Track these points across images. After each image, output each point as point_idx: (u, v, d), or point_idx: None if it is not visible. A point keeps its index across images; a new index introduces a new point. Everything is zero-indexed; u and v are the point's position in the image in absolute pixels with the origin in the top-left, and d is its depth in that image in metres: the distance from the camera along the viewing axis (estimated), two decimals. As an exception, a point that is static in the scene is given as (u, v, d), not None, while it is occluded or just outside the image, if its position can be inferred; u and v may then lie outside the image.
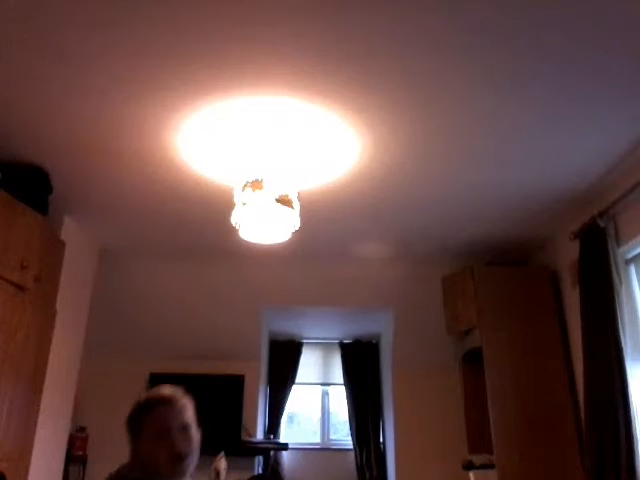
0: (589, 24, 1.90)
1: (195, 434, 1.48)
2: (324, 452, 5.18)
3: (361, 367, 5.26)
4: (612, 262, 2.86)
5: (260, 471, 4.59)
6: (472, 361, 3.78)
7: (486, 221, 3.53)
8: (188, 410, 1.51)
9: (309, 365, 5.40)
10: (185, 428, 1.46)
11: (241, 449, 4.37)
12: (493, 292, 3.67)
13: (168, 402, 1.49)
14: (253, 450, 4.50)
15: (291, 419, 5.43)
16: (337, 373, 5.36)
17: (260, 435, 4.74)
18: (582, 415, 3.09)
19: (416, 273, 4.21)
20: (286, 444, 4.62)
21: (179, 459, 1.41)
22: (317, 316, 4.91)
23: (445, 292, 3.98)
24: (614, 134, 2.57)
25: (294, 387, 5.21)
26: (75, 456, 4.22)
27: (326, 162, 2.82)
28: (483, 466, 3.60)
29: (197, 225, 3.58)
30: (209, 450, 3.83)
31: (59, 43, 2.00)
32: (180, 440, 1.43)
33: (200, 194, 3.15)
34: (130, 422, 1.49)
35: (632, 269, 3.00)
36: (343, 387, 5.26)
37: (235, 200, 2.63)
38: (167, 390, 1.52)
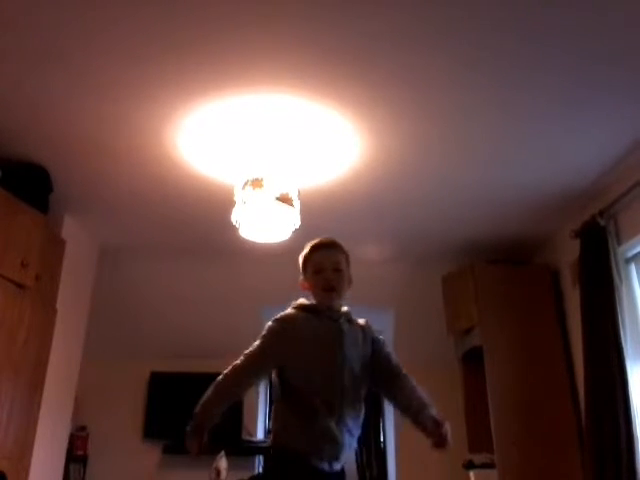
0: (588, 24, 1.90)
1: (344, 276, 1.90)
2: (324, 451, 5.16)
3: (361, 366, 5.24)
4: (613, 261, 2.86)
5: (260, 470, 4.58)
6: (472, 360, 3.77)
7: (487, 220, 3.53)
8: (341, 258, 1.91)
9: (309, 364, 5.38)
10: (337, 269, 1.87)
11: (242, 448, 4.37)
12: (493, 291, 3.66)
13: (326, 247, 1.90)
14: (253, 449, 4.49)
15: (291, 418, 5.42)
16: (337, 372, 5.34)
17: (261, 434, 4.73)
18: (582, 414, 3.09)
19: (416, 272, 4.20)
20: (286, 443, 4.60)
21: (330, 289, 1.84)
22: (317, 315, 4.90)
23: (445, 291, 3.97)
24: (614, 133, 2.57)
25: (294, 386, 5.19)
26: (76, 455, 4.22)
27: (326, 161, 2.82)
28: (483, 465, 3.59)
29: (197, 223, 3.58)
30: (209, 450, 3.83)
31: (60, 42, 2.01)
32: (331, 276, 1.84)
33: (200, 192, 3.15)
34: (302, 260, 1.92)
35: (632, 268, 3.00)
36: (343, 386, 5.24)
37: (235, 198, 2.63)
38: (328, 239, 1.93)
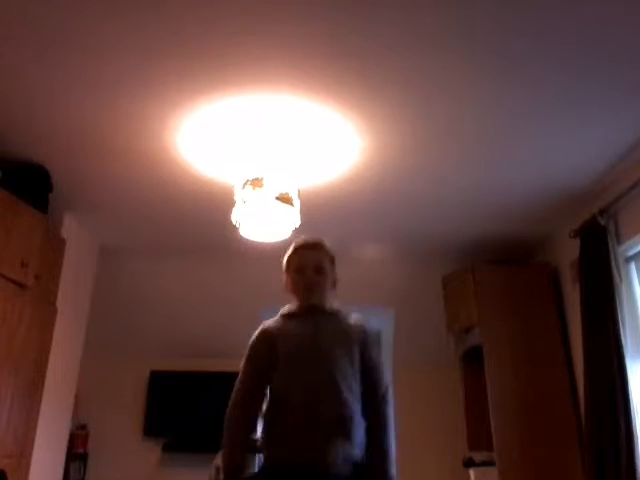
0: (587, 19, 1.90)
1: (327, 277, 1.83)
2: (324, 450, 5.17)
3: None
4: (612, 260, 2.85)
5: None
6: (472, 359, 3.77)
7: (486, 219, 3.52)
8: (325, 258, 1.85)
9: (309, 363, 5.37)
10: (319, 269, 1.82)
11: (241, 447, 4.38)
12: (493, 290, 3.66)
13: (309, 247, 1.86)
14: (253, 448, 4.49)
15: (291, 417, 5.41)
16: (337, 371, 5.33)
17: (260, 433, 4.73)
18: (582, 413, 3.09)
19: (416, 272, 4.20)
20: (286, 442, 4.61)
21: (309, 289, 1.81)
22: (317, 314, 4.90)
23: (445, 291, 3.97)
24: (615, 132, 2.57)
25: (294, 385, 5.19)
26: (76, 454, 4.23)
27: (326, 160, 2.82)
28: (483, 463, 3.60)
29: (197, 223, 3.58)
30: (209, 448, 3.84)
31: (60, 42, 2.00)
32: (312, 276, 1.81)
33: (200, 192, 3.14)
34: (285, 259, 1.89)
35: (632, 267, 3.00)
36: (343, 385, 5.23)
37: (235, 198, 2.63)
38: (313, 238, 1.89)
